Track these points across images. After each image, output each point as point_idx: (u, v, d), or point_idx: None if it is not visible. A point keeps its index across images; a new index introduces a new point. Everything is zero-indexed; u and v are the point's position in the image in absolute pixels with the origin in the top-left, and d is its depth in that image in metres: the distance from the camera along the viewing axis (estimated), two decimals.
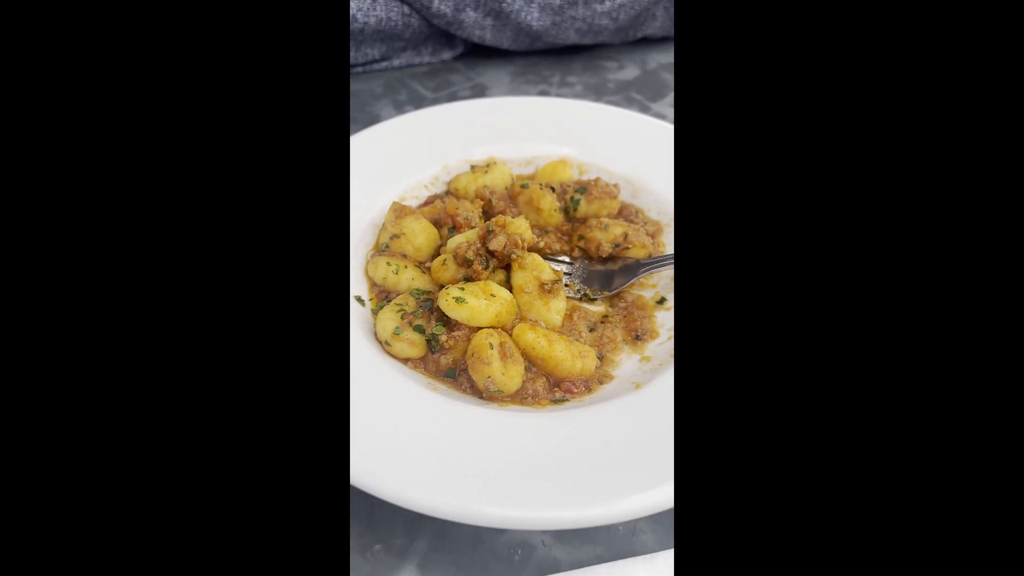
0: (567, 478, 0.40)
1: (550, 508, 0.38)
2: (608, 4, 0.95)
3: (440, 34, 0.99)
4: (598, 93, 0.96)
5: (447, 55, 1.02)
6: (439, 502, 0.38)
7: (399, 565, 0.43)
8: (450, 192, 0.68)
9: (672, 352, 0.51)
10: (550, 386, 0.50)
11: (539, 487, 0.39)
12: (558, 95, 0.95)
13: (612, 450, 0.42)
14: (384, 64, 0.99)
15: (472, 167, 0.68)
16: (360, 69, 0.98)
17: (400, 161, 0.67)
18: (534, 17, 0.94)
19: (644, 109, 0.93)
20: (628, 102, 0.94)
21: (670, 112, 0.92)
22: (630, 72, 1.01)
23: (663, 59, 1.04)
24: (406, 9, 0.93)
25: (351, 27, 0.90)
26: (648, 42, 1.08)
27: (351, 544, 0.44)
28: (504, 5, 0.91)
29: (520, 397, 0.49)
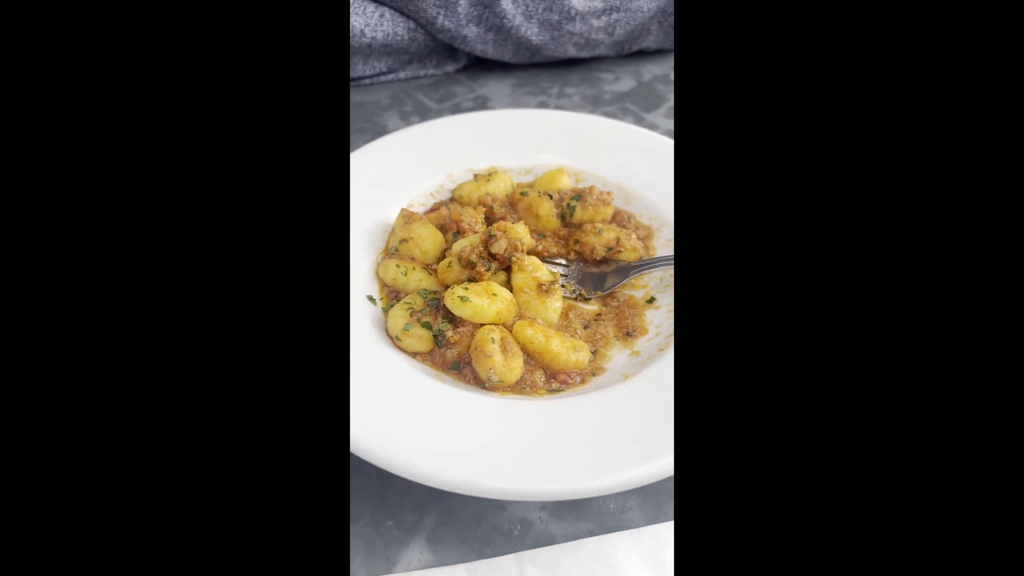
0: (561, 456, 0.44)
1: (546, 482, 0.42)
2: (604, 19, 0.99)
3: (444, 48, 1.03)
4: (595, 104, 1.00)
5: (450, 67, 1.06)
6: (448, 476, 0.42)
7: (409, 539, 0.47)
8: (455, 199, 0.71)
9: (659, 347, 0.56)
10: (547, 377, 0.54)
11: (537, 464, 0.43)
12: (557, 106, 0.99)
13: (602, 433, 0.46)
14: (391, 76, 1.03)
15: (475, 176, 0.72)
16: (368, 81, 1.02)
17: (408, 171, 0.71)
18: (533, 32, 0.98)
19: (639, 119, 0.97)
20: (623, 112, 0.98)
21: (664, 122, 0.96)
22: (626, 84, 1.05)
23: (657, 71, 1.08)
24: (412, 24, 0.97)
25: (360, 42, 0.94)
26: (643, 55, 1.12)
27: (367, 521, 0.48)
28: (505, 21, 0.96)
29: (519, 387, 0.53)
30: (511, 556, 0.45)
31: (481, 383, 0.53)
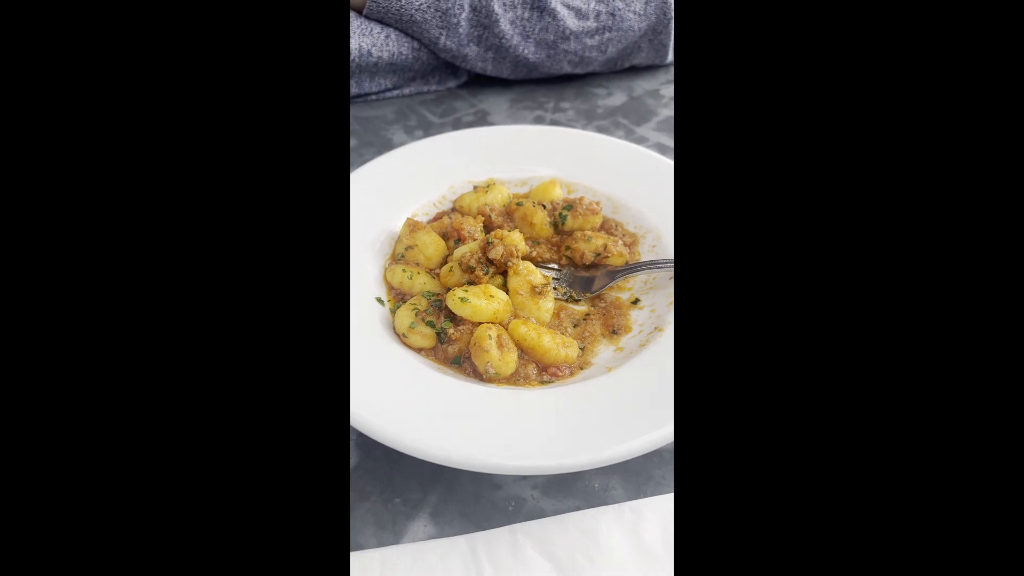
0: (550, 437, 0.49)
1: (537, 459, 0.47)
2: (597, 39, 1.05)
3: (446, 65, 1.09)
4: (588, 118, 1.06)
5: (452, 84, 1.12)
6: (450, 453, 0.47)
7: (415, 514, 0.53)
8: (456, 209, 0.77)
9: (641, 343, 0.61)
10: (539, 370, 0.59)
11: (529, 444, 0.48)
12: (553, 120, 1.05)
13: (586, 417, 0.51)
14: (396, 92, 1.09)
15: (475, 187, 0.78)
16: (375, 97, 1.08)
17: (413, 183, 0.76)
18: (530, 51, 1.04)
19: (629, 132, 1.03)
20: (615, 126, 1.04)
21: (653, 135, 1.02)
22: (618, 99, 1.11)
23: (647, 86, 1.14)
24: (415, 44, 1.03)
25: (367, 61, 1.00)
26: (634, 71, 1.17)
27: (377, 498, 0.53)
28: (503, 41, 1.02)
29: (514, 379, 0.57)
30: (506, 528, 0.50)
31: (479, 375, 0.58)
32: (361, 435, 0.57)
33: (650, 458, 0.55)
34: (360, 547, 0.50)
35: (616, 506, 0.52)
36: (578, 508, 0.52)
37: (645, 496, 0.53)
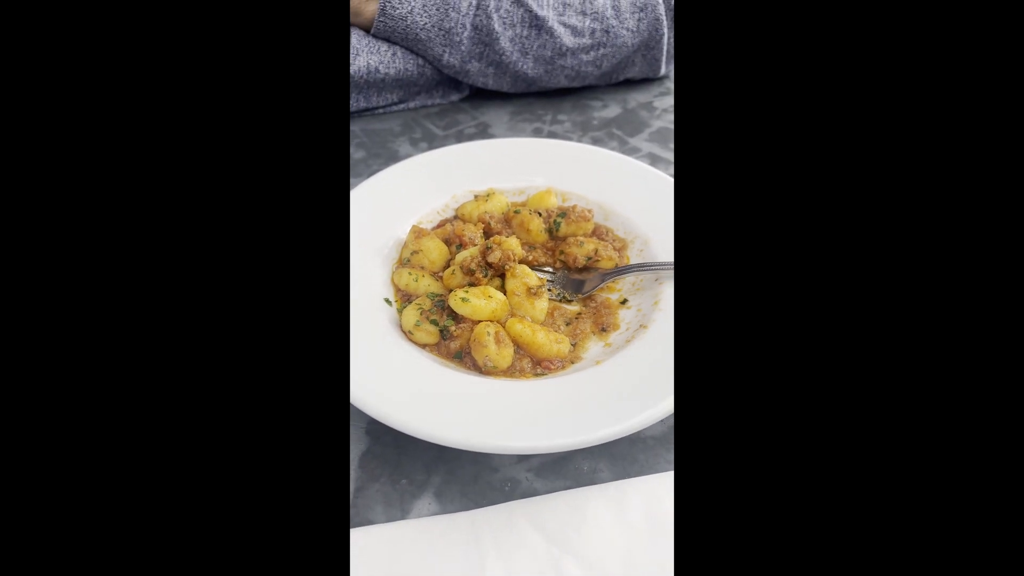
0: (543, 422, 0.54)
1: (530, 440, 0.52)
2: (593, 54, 1.11)
3: (449, 80, 1.15)
4: (584, 129, 1.11)
5: (455, 97, 1.18)
6: (453, 436, 0.52)
7: (420, 494, 0.58)
8: (458, 217, 0.81)
9: (627, 339, 0.66)
10: (533, 364, 0.63)
11: (522, 427, 0.53)
12: (550, 132, 1.10)
13: (576, 405, 0.56)
14: (402, 106, 1.15)
15: (475, 196, 0.82)
16: (382, 111, 1.14)
17: (418, 193, 0.82)
18: (529, 67, 1.10)
19: (623, 143, 1.08)
20: (609, 137, 1.09)
21: (646, 146, 1.07)
22: (612, 111, 1.16)
23: (641, 99, 1.19)
24: (420, 61, 1.09)
25: (375, 77, 1.06)
26: (629, 84, 1.22)
27: (386, 479, 0.58)
28: (503, 57, 1.07)
29: (511, 372, 0.62)
30: (502, 505, 0.55)
31: (479, 368, 0.63)
32: (371, 422, 0.63)
33: (634, 442, 0.60)
34: (370, 522, 0.55)
35: (602, 485, 0.57)
36: (568, 488, 0.57)
37: (629, 477, 0.58)
